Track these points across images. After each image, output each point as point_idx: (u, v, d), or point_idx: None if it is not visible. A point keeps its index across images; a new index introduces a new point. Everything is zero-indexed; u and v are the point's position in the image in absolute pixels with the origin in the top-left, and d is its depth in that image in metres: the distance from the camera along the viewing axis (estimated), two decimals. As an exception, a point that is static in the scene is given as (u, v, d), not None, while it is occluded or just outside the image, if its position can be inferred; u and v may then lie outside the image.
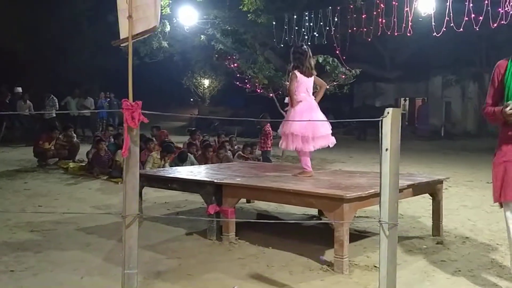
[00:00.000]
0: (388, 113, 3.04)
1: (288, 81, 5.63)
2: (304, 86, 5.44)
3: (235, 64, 12.41)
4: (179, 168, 7.19)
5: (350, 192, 4.33)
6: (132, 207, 2.99)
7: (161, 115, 3.67)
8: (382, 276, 3.12)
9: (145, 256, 4.48)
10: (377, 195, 4.46)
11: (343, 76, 11.46)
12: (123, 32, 3.16)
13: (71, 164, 10.49)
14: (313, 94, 5.57)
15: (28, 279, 3.95)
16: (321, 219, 6.34)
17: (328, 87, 11.55)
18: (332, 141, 5.55)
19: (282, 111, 5.90)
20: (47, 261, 4.37)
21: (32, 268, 4.22)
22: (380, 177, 3.10)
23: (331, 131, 5.55)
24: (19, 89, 16.35)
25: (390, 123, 3.05)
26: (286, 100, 5.71)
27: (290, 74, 5.57)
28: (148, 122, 2.88)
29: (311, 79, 5.53)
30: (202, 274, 4.18)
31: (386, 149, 3.08)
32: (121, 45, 3.28)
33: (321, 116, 5.51)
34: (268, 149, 10.59)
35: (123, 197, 2.99)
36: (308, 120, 5.31)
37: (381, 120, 3.06)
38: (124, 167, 2.94)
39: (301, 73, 5.43)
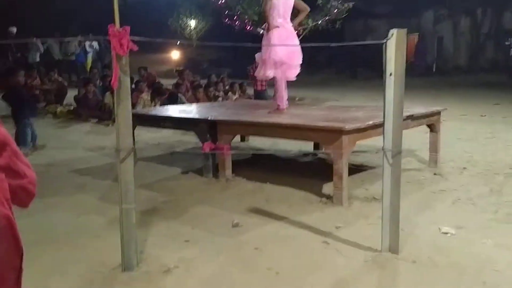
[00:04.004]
0: (392, 35, 2.87)
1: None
2: (280, 9, 5.03)
3: (223, 1, 11.90)
4: (171, 107, 7.03)
5: (349, 124, 4.22)
6: (126, 141, 2.85)
7: (150, 48, 3.46)
8: (385, 206, 3.07)
9: (141, 195, 4.38)
10: (376, 127, 4.40)
11: (336, 10, 11.09)
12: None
13: (59, 108, 10.24)
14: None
15: (22, 220, 3.83)
16: (316, 155, 6.28)
17: (319, 22, 11.23)
18: (297, 72, 5.26)
19: (259, 29, 5.55)
20: (41, 202, 4.24)
21: (26, 209, 4.12)
22: (384, 104, 2.97)
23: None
24: (14, 30, 15.48)
25: (394, 46, 2.89)
26: (260, 30, 5.44)
27: None
28: (137, 50, 2.69)
29: (290, 2, 5.11)
30: (200, 210, 4.13)
31: (390, 74, 2.94)
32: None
33: (297, 43, 5.24)
34: (263, 88, 10.32)
35: (116, 131, 2.84)
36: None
37: (385, 43, 2.90)
38: (115, 99, 2.78)
39: None
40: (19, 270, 1.27)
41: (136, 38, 2.65)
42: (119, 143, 2.83)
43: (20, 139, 6.28)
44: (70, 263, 3.10)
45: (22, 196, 1.23)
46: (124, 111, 2.80)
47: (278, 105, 5.29)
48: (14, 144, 1.19)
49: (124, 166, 2.89)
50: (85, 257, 3.19)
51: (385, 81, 2.95)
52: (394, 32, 2.88)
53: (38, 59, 15.22)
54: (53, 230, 3.71)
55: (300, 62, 5.21)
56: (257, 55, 5.52)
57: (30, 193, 1.25)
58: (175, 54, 24.35)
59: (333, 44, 3.01)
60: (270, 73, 5.19)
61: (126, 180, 2.92)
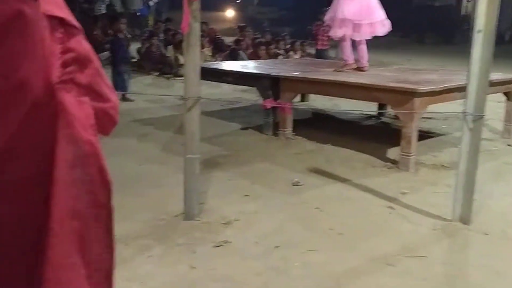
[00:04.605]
0: (487, -13, 2.60)
1: None
2: None
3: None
4: (233, 62, 6.96)
5: (422, 86, 3.98)
6: (193, 89, 2.80)
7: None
8: (460, 172, 2.88)
9: (201, 148, 4.37)
10: (451, 91, 4.13)
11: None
12: None
13: (122, 60, 10.38)
14: None
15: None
16: (380, 118, 6.05)
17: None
18: (388, 27, 4.89)
19: None
20: (104, 148, 4.34)
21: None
22: (470, 64, 2.73)
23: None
24: None
25: (487, 0, 2.62)
26: None
27: None
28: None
29: None
30: (260, 166, 4.08)
31: (479, 31, 2.68)
32: None
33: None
34: (325, 48, 10.01)
35: (184, 78, 2.79)
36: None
37: (477, -4, 2.64)
38: (184, 46, 2.71)
39: None
40: (109, 207, 1.06)
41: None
42: (186, 90, 2.78)
43: (118, 84, 6.45)
44: (135, 209, 3.14)
45: (104, 122, 1.05)
46: (193, 58, 2.73)
47: (346, 60, 5.08)
48: (98, 63, 1.06)
49: (189, 115, 2.85)
50: (148, 205, 3.22)
51: (472, 39, 2.70)
52: (488, -16, 2.61)
53: (104, 11, 15.45)
54: (116, 177, 3.70)
55: (378, 19, 4.84)
56: (326, 15, 5.23)
57: (112, 120, 1.08)
58: (230, 13, 24.16)
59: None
60: (337, 32, 4.97)
61: (191, 130, 2.89)
